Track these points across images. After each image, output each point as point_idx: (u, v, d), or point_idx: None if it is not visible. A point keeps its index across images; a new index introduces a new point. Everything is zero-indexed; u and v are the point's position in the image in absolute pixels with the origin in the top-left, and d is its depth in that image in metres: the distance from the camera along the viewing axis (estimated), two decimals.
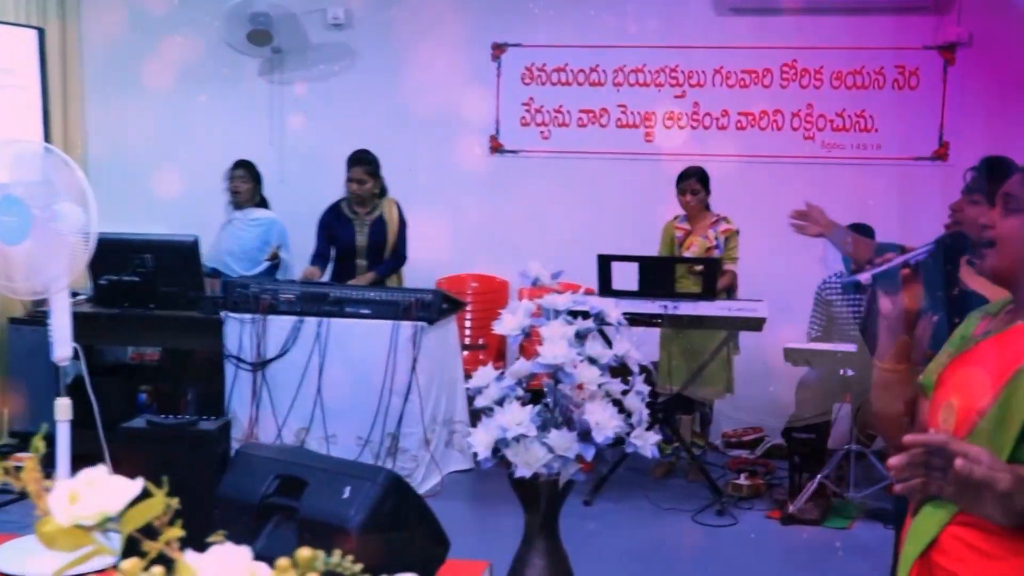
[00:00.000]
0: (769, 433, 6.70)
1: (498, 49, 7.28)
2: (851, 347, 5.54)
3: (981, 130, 6.55)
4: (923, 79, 6.73)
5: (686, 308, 5.62)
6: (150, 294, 5.70)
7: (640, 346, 2.45)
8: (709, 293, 5.72)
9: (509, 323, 2.36)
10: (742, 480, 5.89)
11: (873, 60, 6.78)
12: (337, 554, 0.91)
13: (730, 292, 6.06)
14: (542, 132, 7.29)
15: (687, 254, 6.14)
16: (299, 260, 6.54)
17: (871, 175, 6.77)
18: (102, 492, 0.87)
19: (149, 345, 6.48)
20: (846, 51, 6.80)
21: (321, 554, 0.89)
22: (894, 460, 1.74)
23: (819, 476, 5.45)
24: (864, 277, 2.09)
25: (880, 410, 2.32)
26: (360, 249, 6.26)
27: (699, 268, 5.96)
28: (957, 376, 2.10)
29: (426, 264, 6.79)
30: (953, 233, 2.19)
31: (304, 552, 0.89)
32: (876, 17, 6.73)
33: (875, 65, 6.78)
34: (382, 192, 6.33)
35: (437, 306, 5.57)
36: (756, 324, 5.60)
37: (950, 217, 2.79)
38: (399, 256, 6.34)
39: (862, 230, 5.66)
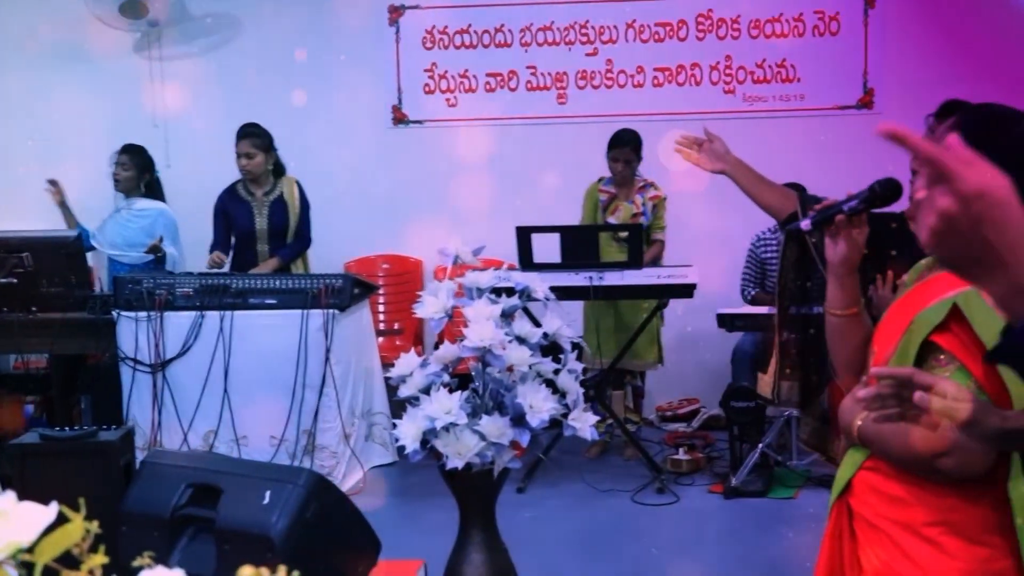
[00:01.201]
0: (706, 404, 6.81)
1: (395, 12, 7.23)
2: None
3: (906, 75, 6.71)
4: (844, 24, 6.86)
5: (613, 278, 5.66)
6: (31, 296, 5.55)
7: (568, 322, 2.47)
8: (636, 261, 5.76)
9: (431, 306, 2.35)
10: (681, 455, 5.97)
11: (792, 6, 6.89)
12: (282, 570, 0.89)
13: (656, 263, 6.12)
14: (448, 99, 7.27)
15: (612, 220, 6.18)
16: (193, 252, 6.43)
17: (795, 127, 6.89)
18: (11, 521, 0.85)
19: (34, 352, 6.32)
20: None
21: (265, 572, 0.87)
22: (862, 392, 1.82)
23: (761, 446, 5.54)
24: (804, 224, 2.19)
25: (836, 355, 2.43)
26: (260, 233, 6.17)
27: (624, 235, 6.02)
28: (882, 324, 2.24)
29: (332, 247, 6.75)
30: (888, 179, 2.24)
31: (246, 571, 0.87)
32: None
33: (794, 11, 6.89)
34: (279, 171, 6.25)
35: (348, 291, 5.52)
36: (687, 291, 5.67)
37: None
38: (303, 239, 6.28)
39: (794, 189, 5.76)
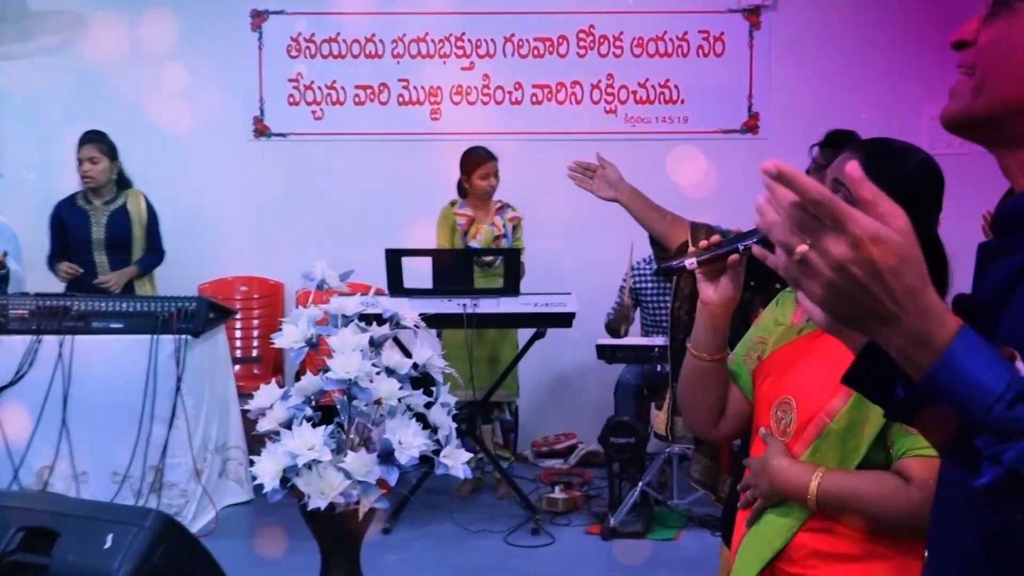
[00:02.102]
0: (584, 439, 6.84)
1: (258, 17, 7.15)
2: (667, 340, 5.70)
3: (790, 99, 6.90)
4: (729, 45, 7.03)
5: (488, 305, 5.66)
6: None
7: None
8: (512, 288, 5.79)
9: (291, 335, 2.31)
10: (557, 493, 5.99)
11: (676, 25, 7.02)
12: None
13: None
14: (314, 112, 7.21)
15: (474, 243, 6.22)
16: (29, 269, 6.24)
17: (680, 150, 6.95)
18: None
19: None
20: (647, 15, 7.02)
21: None
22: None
23: (641, 484, 5.59)
24: (689, 262, 2.09)
25: (692, 402, 2.39)
26: (97, 243, 6.06)
27: (488, 259, 6.07)
28: (791, 370, 2.17)
29: (185, 267, 6.62)
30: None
31: None
32: None
33: (678, 30, 7.03)
34: (123, 183, 6.16)
35: (202, 315, 5.42)
36: (566, 320, 5.70)
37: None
38: (157, 252, 6.22)
39: (720, 231, 5.84)
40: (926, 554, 1.50)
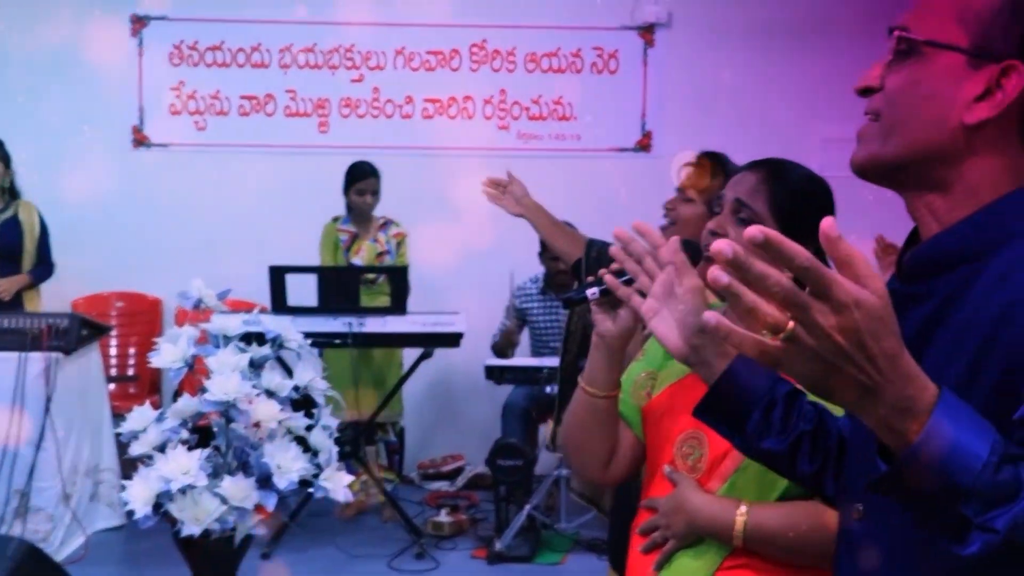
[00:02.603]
0: (471, 461, 6.87)
1: (138, 22, 7.07)
2: (556, 361, 5.76)
3: (683, 117, 7.03)
4: (623, 63, 7.14)
5: (374, 325, 5.67)
6: None
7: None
8: (399, 307, 5.81)
9: (169, 354, 2.29)
10: (443, 517, 6.00)
11: (569, 41, 7.11)
12: None
13: None
14: (196, 122, 7.15)
15: (357, 261, 6.25)
16: None
17: (572, 168, 7.09)
18: None
19: None
20: (540, 30, 7.10)
21: None
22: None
23: (528, 507, 5.62)
24: (591, 292, 2.04)
25: (582, 441, 2.29)
26: None
27: (371, 276, 6.09)
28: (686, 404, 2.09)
29: (58, 282, 6.49)
30: (685, 241, 2.26)
31: None
32: None
33: (572, 46, 7.12)
34: (14, 192, 6.12)
35: (75, 332, 5.34)
36: (453, 340, 5.73)
37: (665, 216, 2.94)
38: (47, 264, 6.22)
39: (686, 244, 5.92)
40: None
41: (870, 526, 1.50)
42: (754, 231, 1.07)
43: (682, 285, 1.84)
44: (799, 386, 1.67)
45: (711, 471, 2.13)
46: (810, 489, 1.85)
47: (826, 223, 1.09)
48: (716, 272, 1.07)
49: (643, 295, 1.88)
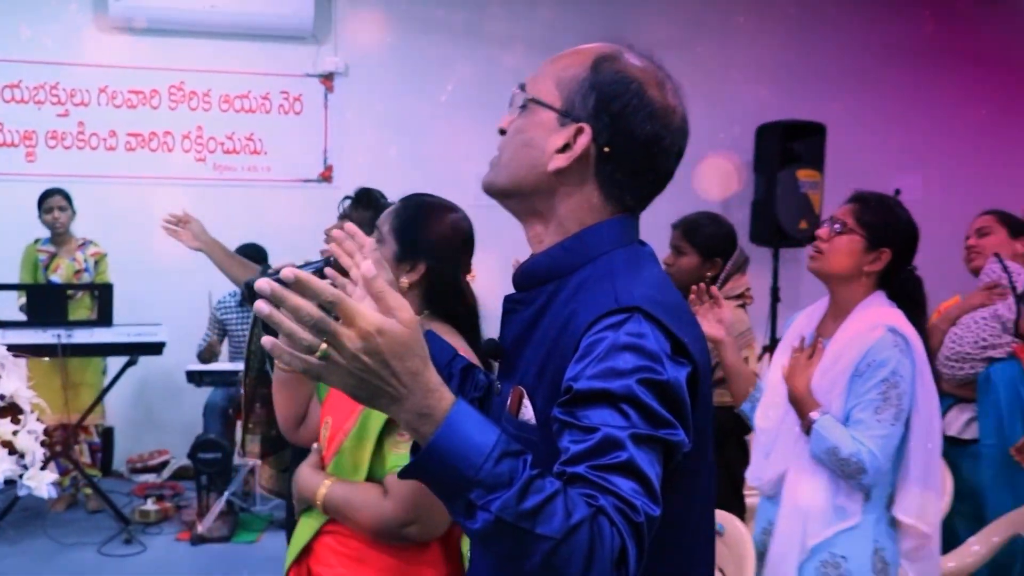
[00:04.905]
0: (175, 455, 6.75)
1: None
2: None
3: (360, 153, 7.12)
4: (307, 105, 7.17)
5: (82, 336, 5.50)
6: None
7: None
8: (106, 319, 5.66)
9: None
10: (149, 505, 5.90)
11: (259, 85, 7.08)
12: None
13: None
14: None
15: (54, 278, 6.05)
16: None
17: (263, 196, 7.07)
18: None
19: None
20: (233, 75, 7.03)
21: None
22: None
23: (227, 494, 5.62)
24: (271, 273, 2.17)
25: (278, 405, 2.48)
26: None
27: (69, 292, 5.93)
28: (332, 391, 2.30)
29: None
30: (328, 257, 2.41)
31: None
32: (261, 44, 7.04)
33: (262, 90, 7.09)
34: None
35: None
36: (156, 349, 5.65)
37: (326, 241, 3.06)
38: None
39: (255, 250, 5.97)
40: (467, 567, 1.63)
41: None
42: (287, 273, 1.14)
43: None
44: (473, 361, 1.91)
45: (328, 449, 2.27)
46: None
47: (365, 266, 1.20)
48: (260, 304, 1.14)
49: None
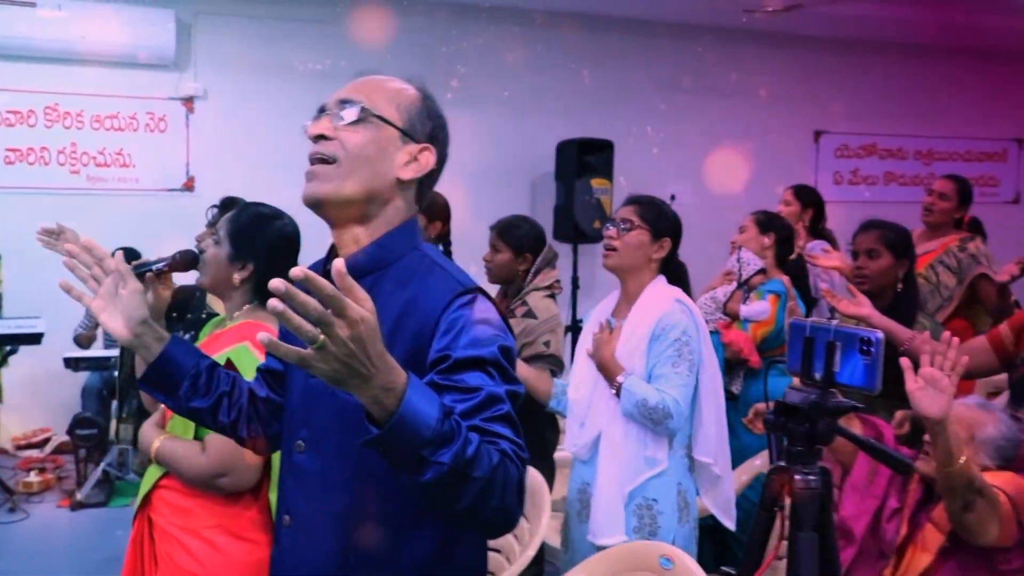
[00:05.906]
0: (57, 432, 6.86)
1: None
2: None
3: (219, 165, 7.41)
4: (170, 124, 7.46)
5: None
6: None
7: None
8: None
9: None
10: (32, 477, 6.07)
11: (127, 106, 7.34)
12: None
13: None
14: None
15: None
16: None
17: (132, 204, 7.32)
18: None
19: None
20: (104, 98, 7.29)
21: None
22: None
23: (103, 464, 5.80)
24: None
25: (150, 405, 2.57)
26: None
27: None
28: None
29: None
30: (184, 251, 2.47)
31: None
32: (128, 70, 7.30)
33: (130, 111, 7.35)
34: None
35: None
36: (35, 339, 5.84)
37: (197, 247, 3.08)
38: None
39: (129, 252, 6.23)
40: (287, 519, 1.64)
41: (311, 455, 1.63)
42: (295, 272, 1.15)
43: (125, 288, 1.77)
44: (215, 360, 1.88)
45: (168, 410, 2.32)
46: (228, 435, 1.88)
47: (337, 262, 1.18)
48: (273, 303, 1.12)
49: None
